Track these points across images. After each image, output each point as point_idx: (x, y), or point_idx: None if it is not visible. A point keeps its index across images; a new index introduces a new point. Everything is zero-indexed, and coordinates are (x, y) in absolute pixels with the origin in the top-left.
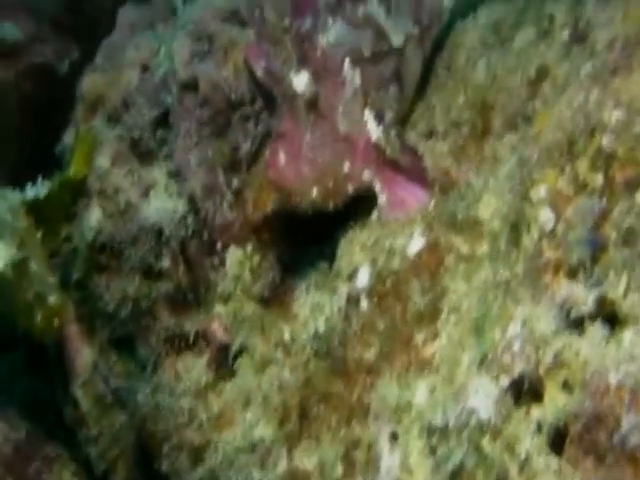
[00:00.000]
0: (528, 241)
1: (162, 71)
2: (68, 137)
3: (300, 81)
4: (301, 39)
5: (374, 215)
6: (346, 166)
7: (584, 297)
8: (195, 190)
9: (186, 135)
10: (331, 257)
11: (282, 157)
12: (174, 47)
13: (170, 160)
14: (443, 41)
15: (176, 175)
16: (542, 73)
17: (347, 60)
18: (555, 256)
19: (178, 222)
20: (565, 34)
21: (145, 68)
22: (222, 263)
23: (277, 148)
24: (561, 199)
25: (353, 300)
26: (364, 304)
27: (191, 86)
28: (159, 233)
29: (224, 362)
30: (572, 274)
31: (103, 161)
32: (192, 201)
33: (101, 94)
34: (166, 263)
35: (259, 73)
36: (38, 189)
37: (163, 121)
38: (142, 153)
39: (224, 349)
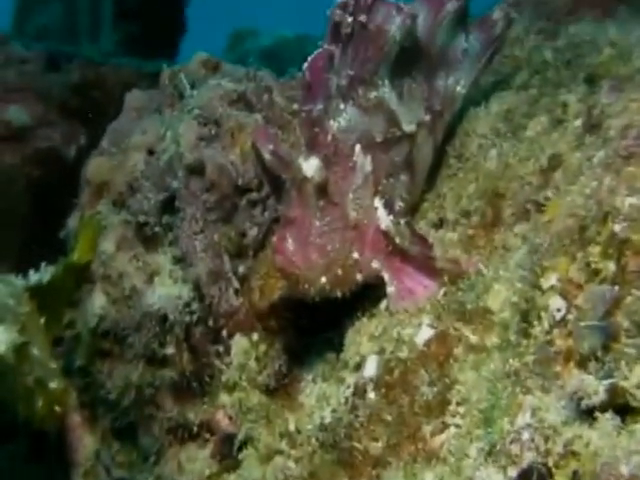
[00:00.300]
0: (538, 330)
1: (168, 155)
2: (73, 221)
3: (310, 166)
4: (312, 123)
5: (382, 304)
6: (355, 254)
7: (595, 387)
8: (200, 276)
9: (192, 220)
10: (339, 346)
11: (290, 243)
12: (180, 131)
13: (175, 245)
14: (455, 128)
15: (181, 261)
16: (554, 162)
17: (358, 146)
18: (566, 345)
19: (183, 308)
20: (578, 122)
21: (151, 152)
22: (227, 351)
23: (285, 234)
24: (572, 287)
25: (360, 391)
26: (371, 395)
27: (197, 170)
28: (163, 319)
29: (229, 453)
30: (583, 363)
31: (107, 246)
32: (197, 287)
33: (106, 178)
34: (170, 350)
35: (267, 157)
36: (41, 274)
37: (169, 206)
38: (147, 238)
39: (229, 439)
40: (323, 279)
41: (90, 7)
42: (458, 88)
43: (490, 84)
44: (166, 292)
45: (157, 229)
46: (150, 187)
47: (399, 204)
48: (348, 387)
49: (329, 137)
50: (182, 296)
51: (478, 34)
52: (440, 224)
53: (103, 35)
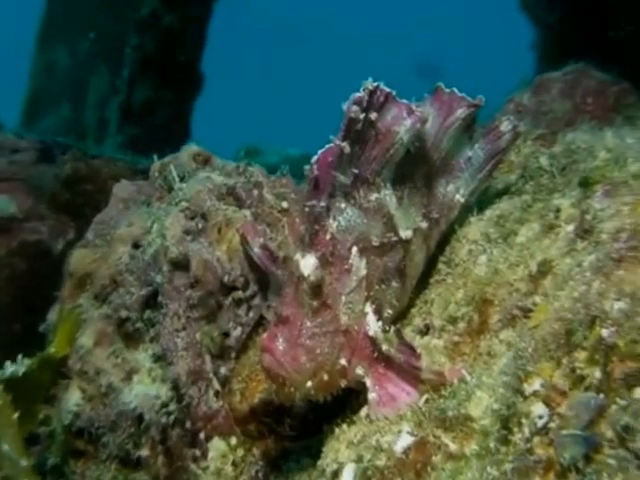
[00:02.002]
0: (519, 437)
1: (153, 249)
2: (53, 315)
3: (307, 264)
4: (314, 220)
5: (363, 411)
6: (342, 361)
7: None
8: (180, 375)
9: (174, 316)
10: (317, 453)
11: (281, 343)
12: (167, 224)
13: (157, 342)
14: (446, 234)
15: (161, 358)
16: (544, 268)
17: (355, 248)
18: (546, 454)
19: (160, 409)
20: (571, 228)
21: (137, 245)
22: (204, 455)
23: (276, 333)
24: (556, 394)
25: None
26: None
27: (182, 265)
28: (139, 419)
29: None
30: (563, 474)
31: (86, 341)
32: (176, 387)
33: (89, 271)
34: (145, 452)
35: (256, 251)
36: (17, 366)
37: (152, 301)
38: (128, 334)
39: None
40: (309, 383)
41: (97, 109)
42: (457, 196)
43: (484, 189)
44: (144, 391)
45: (139, 325)
46: (134, 281)
47: (388, 311)
48: None
49: (328, 236)
50: (160, 396)
51: (484, 144)
52: (426, 330)
53: (108, 137)
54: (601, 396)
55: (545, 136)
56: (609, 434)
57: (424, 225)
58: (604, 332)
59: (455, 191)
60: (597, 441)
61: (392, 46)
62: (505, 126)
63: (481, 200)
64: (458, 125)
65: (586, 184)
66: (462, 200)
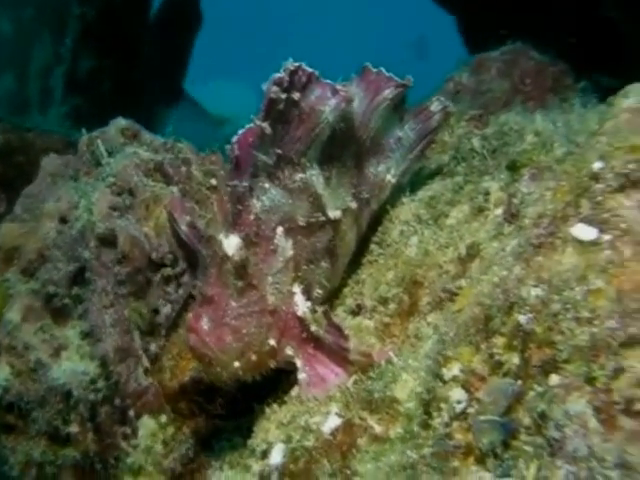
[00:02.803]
0: (438, 422)
1: (80, 224)
2: None
3: (231, 244)
4: (236, 200)
5: (294, 391)
6: (271, 341)
7: None
8: (108, 353)
9: (102, 293)
10: (248, 432)
11: (205, 322)
12: (93, 199)
13: (85, 318)
14: (378, 214)
15: (90, 335)
16: (473, 250)
17: (280, 229)
18: (465, 440)
19: (88, 385)
20: (499, 211)
21: (64, 220)
22: (134, 432)
23: (201, 313)
24: (475, 379)
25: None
26: None
27: (109, 241)
28: (68, 396)
29: None
30: (482, 460)
31: (13, 316)
32: (104, 364)
33: (17, 245)
34: (74, 428)
35: (183, 229)
36: None
37: (80, 277)
38: (56, 309)
39: None
40: (237, 364)
41: (41, 79)
42: (388, 177)
43: (417, 170)
44: (72, 367)
45: (66, 301)
46: (61, 257)
47: (317, 291)
48: (254, 475)
49: (252, 216)
50: (88, 372)
51: (414, 124)
52: (358, 311)
53: (52, 107)
54: (519, 382)
55: (479, 117)
56: (526, 421)
57: (354, 205)
58: (522, 318)
59: (386, 171)
60: (514, 427)
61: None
62: (435, 106)
63: (414, 181)
64: (386, 105)
65: (514, 168)
66: (393, 180)
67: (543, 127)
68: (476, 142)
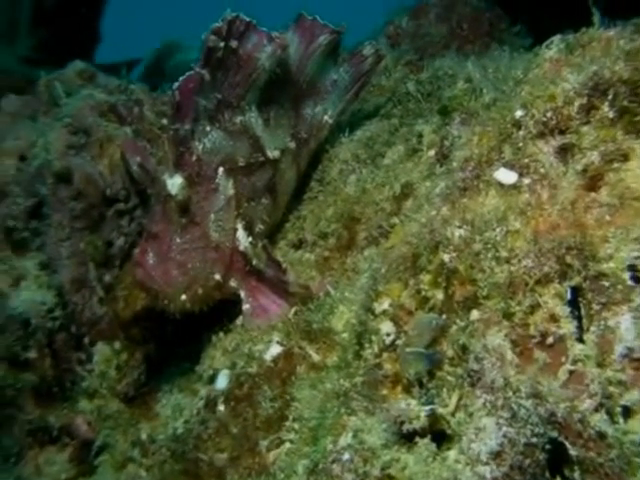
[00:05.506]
0: (369, 353)
1: (38, 162)
2: None
3: (174, 183)
4: (178, 142)
5: (239, 320)
6: (217, 275)
7: (417, 412)
8: (64, 283)
9: (59, 227)
10: (196, 359)
11: (151, 257)
12: (50, 138)
13: (43, 251)
14: (318, 153)
15: (47, 267)
16: (407, 189)
17: (221, 169)
18: (394, 370)
19: (46, 314)
20: (432, 152)
21: (23, 158)
22: (89, 358)
23: (147, 248)
24: (403, 313)
25: (211, 403)
26: (221, 408)
27: (65, 178)
28: (26, 324)
29: (86, 458)
30: (408, 389)
31: None
32: (61, 294)
33: None
34: (32, 354)
35: (134, 169)
36: None
37: (37, 212)
38: (15, 242)
39: (87, 445)
40: (183, 297)
41: (7, 11)
42: (325, 117)
43: (355, 112)
44: (30, 297)
45: (25, 234)
46: (20, 192)
47: (259, 227)
48: (201, 399)
49: (194, 157)
50: (46, 302)
51: (348, 67)
52: (299, 245)
53: (19, 40)
54: (443, 317)
55: (415, 61)
56: (450, 352)
57: (292, 145)
58: (446, 257)
59: (323, 112)
60: (439, 358)
61: None
62: (368, 50)
63: (352, 122)
64: (321, 51)
65: (445, 112)
66: (330, 121)
67: (473, 73)
68: (411, 86)
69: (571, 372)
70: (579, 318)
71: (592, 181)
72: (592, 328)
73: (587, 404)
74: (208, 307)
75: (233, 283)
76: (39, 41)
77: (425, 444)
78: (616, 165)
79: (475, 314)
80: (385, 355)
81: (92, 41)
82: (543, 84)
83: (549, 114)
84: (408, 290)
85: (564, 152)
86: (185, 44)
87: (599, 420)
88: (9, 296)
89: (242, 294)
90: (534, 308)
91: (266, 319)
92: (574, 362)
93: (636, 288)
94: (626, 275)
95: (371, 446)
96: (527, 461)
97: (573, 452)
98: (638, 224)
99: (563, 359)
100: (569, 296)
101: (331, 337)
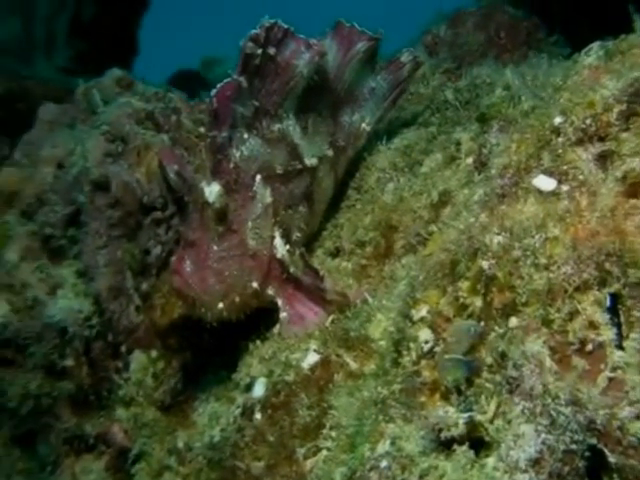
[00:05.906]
0: (407, 360)
1: (76, 170)
2: None
3: (212, 191)
4: (216, 150)
5: (275, 328)
6: (254, 284)
7: (455, 420)
8: (101, 291)
9: (96, 235)
10: (233, 367)
11: (188, 265)
12: (88, 146)
13: (80, 259)
14: (356, 161)
15: (84, 274)
16: (445, 197)
17: (258, 177)
18: (432, 377)
19: (83, 322)
20: (470, 160)
21: (60, 166)
22: (126, 366)
23: (184, 256)
24: (441, 320)
25: (248, 411)
26: (258, 415)
27: (103, 186)
28: (63, 332)
29: (122, 466)
30: (446, 396)
31: (12, 256)
32: (98, 302)
33: (16, 189)
34: (69, 362)
35: (172, 177)
36: None
37: (75, 219)
38: (53, 250)
39: (123, 453)
40: (220, 305)
41: (46, 23)
42: (363, 125)
43: (393, 120)
44: (67, 305)
45: (62, 242)
46: (57, 200)
47: (296, 234)
48: (237, 407)
49: (231, 165)
50: (83, 310)
51: (386, 74)
52: (336, 253)
53: (57, 51)
54: (481, 324)
55: (453, 69)
56: (488, 360)
57: (330, 153)
58: (485, 264)
59: (361, 120)
60: (477, 366)
61: None
62: (406, 57)
63: (390, 130)
64: (359, 58)
65: (483, 119)
66: (368, 128)
67: (512, 81)
68: (449, 94)
69: (610, 379)
70: (618, 325)
71: (632, 188)
72: (632, 335)
73: (627, 411)
74: (245, 315)
75: (270, 291)
76: (77, 52)
77: (463, 451)
78: None
79: (514, 321)
80: (423, 362)
81: (129, 53)
82: (582, 91)
83: (588, 121)
84: (446, 297)
85: (603, 159)
86: (224, 58)
87: (639, 428)
88: (46, 304)
89: (279, 302)
90: (573, 315)
91: (303, 327)
92: (613, 369)
93: None
94: None
95: (409, 453)
96: (566, 468)
97: (612, 459)
98: None
99: (602, 366)
100: (608, 303)
101: (368, 345)
